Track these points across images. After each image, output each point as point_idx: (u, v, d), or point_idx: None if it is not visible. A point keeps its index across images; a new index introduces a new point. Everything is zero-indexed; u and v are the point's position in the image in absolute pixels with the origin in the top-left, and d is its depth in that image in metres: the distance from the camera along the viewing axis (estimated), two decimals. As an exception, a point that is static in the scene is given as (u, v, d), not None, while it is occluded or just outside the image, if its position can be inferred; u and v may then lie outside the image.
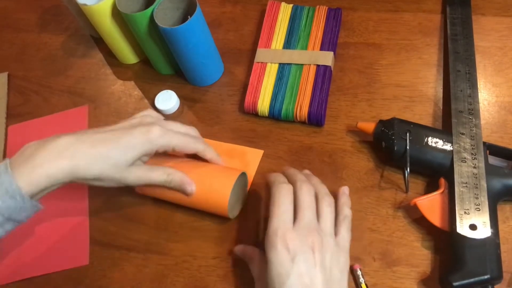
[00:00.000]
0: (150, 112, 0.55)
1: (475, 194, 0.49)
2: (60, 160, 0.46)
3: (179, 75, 0.69)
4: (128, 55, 0.71)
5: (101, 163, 0.47)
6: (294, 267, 0.42)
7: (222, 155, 0.57)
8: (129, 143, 0.48)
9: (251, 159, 0.60)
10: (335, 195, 0.56)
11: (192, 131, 0.55)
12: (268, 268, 0.43)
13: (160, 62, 0.68)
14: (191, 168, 0.53)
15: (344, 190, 0.53)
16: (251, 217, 0.57)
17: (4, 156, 0.67)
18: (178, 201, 0.55)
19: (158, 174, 0.51)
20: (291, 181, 0.49)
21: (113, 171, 0.48)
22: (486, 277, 0.46)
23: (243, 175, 0.56)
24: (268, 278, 0.43)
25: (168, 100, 0.66)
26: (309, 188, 0.48)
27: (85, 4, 0.62)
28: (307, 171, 0.54)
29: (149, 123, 0.51)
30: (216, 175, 0.54)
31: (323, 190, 0.50)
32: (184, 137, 0.52)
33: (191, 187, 0.52)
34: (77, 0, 0.62)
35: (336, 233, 0.47)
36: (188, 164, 0.54)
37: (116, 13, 0.63)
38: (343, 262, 0.46)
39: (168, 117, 0.66)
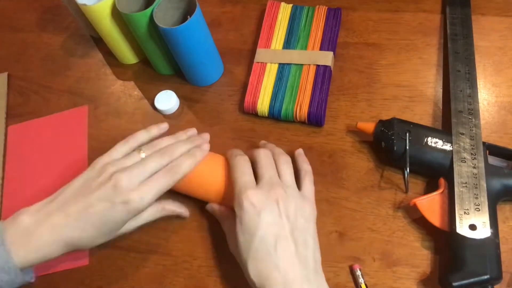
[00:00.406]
0: (130, 157, 0.52)
1: (474, 194, 0.49)
2: (57, 247, 0.48)
3: (179, 75, 0.69)
4: (127, 55, 0.71)
5: (95, 240, 0.50)
6: (261, 219, 0.46)
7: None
8: (114, 219, 0.49)
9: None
10: (335, 195, 0.56)
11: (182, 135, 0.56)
12: (238, 224, 0.47)
13: (160, 62, 0.68)
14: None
15: (299, 151, 0.57)
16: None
17: (4, 156, 0.67)
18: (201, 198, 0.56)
19: (150, 216, 0.53)
20: (249, 154, 0.53)
21: (108, 238, 0.50)
22: (485, 277, 0.46)
23: None
24: (239, 233, 0.47)
25: (168, 100, 0.66)
26: (265, 152, 0.52)
27: (84, 4, 0.62)
28: (262, 141, 0.59)
29: (126, 189, 0.48)
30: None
31: (278, 150, 0.54)
32: (161, 178, 0.50)
33: (185, 212, 0.56)
34: (76, 0, 0.62)
35: (300, 187, 0.51)
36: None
37: (116, 13, 0.63)
38: (309, 212, 0.49)
39: (168, 117, 0.66)
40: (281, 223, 0.46)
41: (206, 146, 0.55)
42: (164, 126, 0.58)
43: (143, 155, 0.52)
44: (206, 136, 0.58)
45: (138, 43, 0.67)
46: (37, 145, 0.67)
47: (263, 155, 0.52)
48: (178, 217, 0.57)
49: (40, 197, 0.50)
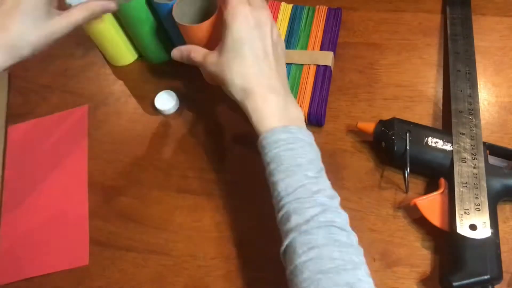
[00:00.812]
0: None
1: (475, 194, 0.49)
2: None
3: (179, 75, 0.69)
4: (123, 55, 0.71)
5: (25, 36, 0.48)
6: (252, 32, 0.49)
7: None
8: (30, 2, 0.47)
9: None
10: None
11: None
12: (229, 34, 0.49)
13: (159, 49, 0.69)
14: None
15: None
16: (252, 217, 0.57)
17: (4, 157, 0.67)
18: None
19: (79, 13, 0.52)
20: None
21: (39, 34, 0.49)
22: (486, 277, 0.46)
23: None
24: (229, 42, 0.49)
25: (168, 100, 0.66)
26: None
27: (70, 4, 0.62)
28: None
29: None
30: None
31: None
32: None
33: (111, 4, 0.54)
34: (66, 1, 0.62)
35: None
36: None
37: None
38: (283, 43, 0.54)
39: (168, 117, 0.66)
40: (267, 43, 0.50)
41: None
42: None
43: None
44: None
45: (132, 37, 0.68)
46: (38, 145, 0.67)
47: None
48: (178, 216, 0.57)
49: (41, 197, 0.50)
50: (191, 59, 0.55)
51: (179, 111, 0.67)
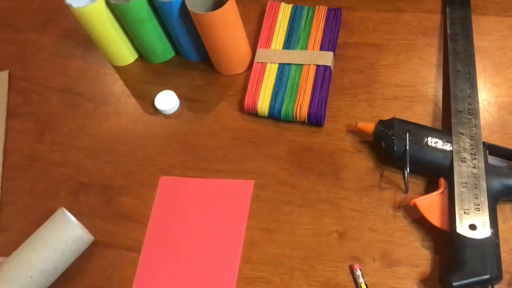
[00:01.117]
0: None
1: (474, 194, 0.49)
2: None
3: (179, 75, 0.69)
4: (124, 54, 0.71)
5: None
6: None
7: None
8: None
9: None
10: (335, 195, 0.56)
11: None
12: None
13: (160, 48, 0.69)
14: None
15: None
16: (252, 217, 0.57)
17: (4, 156, 0.67)
18: None
19: None
20: None
21: None
22: (486, 277, 0.46)
23: None
24: None
25: (168, 100, 0.66)
26: None
27: (72, 5, 0.62)
28: None
29: None
30: None
31: None
32: None
33: None
34: (65, 1, 0.62)
35: None
36: None
37: (109, 13, 0.64)
38: None
39: (168, 117, 0.66)
40: None
41: None
42: None
43: None
44: None
45: (132, 37, 0.68)
46: (190, 205, 0.59)
47: None
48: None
49: (181, 261, 0.48)
50: None
51: (179, 111, 0.67)
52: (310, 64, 0.63)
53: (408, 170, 0.53)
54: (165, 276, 0.54)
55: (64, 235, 0.54)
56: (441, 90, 0.61)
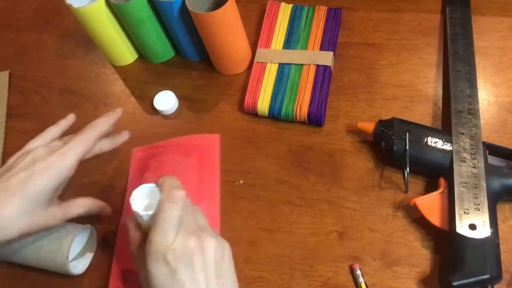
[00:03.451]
0: (29, 147, 0.51)
1: (474, 194, 0.49)
2: None
3: (179, 75, 0.69)
4: (124, 54, 0.71)
5: (17, 221, 0.45)
6: (176, 279, 0.40)
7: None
8: (36, 188, 0.46)
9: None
10: (335, 195, 0.56)
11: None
12: (150, 279, 0.41)
13: (160, 48, 0.69)
14: None
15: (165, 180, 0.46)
16: (253, 216, 0.57)
17: (4, 156, 0.67)
18: None
19: (75, 209, 0.51)
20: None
21: (32, 223, 0.46)
22: (485, 277, 0.46)
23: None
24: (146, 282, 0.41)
25: (167, 100, 0.66)
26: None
27: (72, 5, 0.62)
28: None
29: (44, 155, 0.47)
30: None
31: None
32: (78, 139, 0.50)
33: (108, 209, 0.55)
34: (66, 1, 0.62)
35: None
36: None
37: (109, 12, 0.64)
38: (228, 254, 0.44)
39: (167, 117, 0.66)
40: (199, 280, 0.40)
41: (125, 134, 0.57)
42: (71, 117, 0.57)
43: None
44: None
45: (132, 37, 0.68)
46: (160, 168, 0.60)
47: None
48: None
49: None
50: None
51: (178, 111, 0.67)
52: (310, 64, 0.63)
53: (408, 170, 0.53)
54: None
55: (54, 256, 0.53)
56: (441, 90, 0.62)
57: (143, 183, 0.45)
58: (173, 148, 0.62)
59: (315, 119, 0.60)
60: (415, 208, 0.51)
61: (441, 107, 0.60)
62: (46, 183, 0.47)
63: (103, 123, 0.53)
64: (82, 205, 0.52)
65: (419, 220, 0.53)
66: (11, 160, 0.49)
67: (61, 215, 0.50)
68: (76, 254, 0.56)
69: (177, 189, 0.43)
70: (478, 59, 0.62)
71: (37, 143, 0.51)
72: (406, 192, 0.55)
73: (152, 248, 0.41)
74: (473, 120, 0.54)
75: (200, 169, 0.60)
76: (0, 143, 0.68)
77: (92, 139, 0.51)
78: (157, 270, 0.40)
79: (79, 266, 0.56)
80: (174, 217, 0.42)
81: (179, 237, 0.41)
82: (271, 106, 0.62)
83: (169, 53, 0.71)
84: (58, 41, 0.78)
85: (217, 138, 0.62)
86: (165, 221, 0.41)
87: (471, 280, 0.46)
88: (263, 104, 0.62)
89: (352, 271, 0.52)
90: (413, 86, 0.62)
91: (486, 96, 0.60)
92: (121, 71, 0.72)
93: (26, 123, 0.70)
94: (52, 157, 0.47)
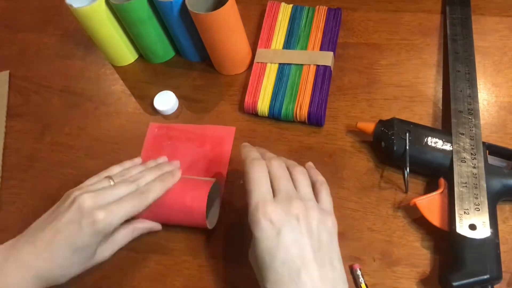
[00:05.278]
0: (101, 183, 0.52)
1: (474, 194, 0.49)
2: (28, 281, 0.46)
3: (179, 75, 0.69)
4: (124, 54, 0.71)
5: (69, 270, 0.48)
6: (281, 239, 0.41)
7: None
8: (84, 242, 0.47)
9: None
10: (335, 195, 0.56)
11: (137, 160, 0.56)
12: (256, 244, 0.42)
13: (160, 48, 0.69)
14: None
15: (310, 164, 0.53)
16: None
17: (4, 156, 0.67)
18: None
19: (122, 239, 0.52)
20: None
21: (83, 267, 0.49)
22: (485, 277, 0.46)
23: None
24: (258, 254, 0.42)
25: (167, 100, 0.66)
26: (279, 161, 0.48)
27: (72, 5, 0.62)
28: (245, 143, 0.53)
29: (90, 208, 0.47)
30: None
31: (291, 162, 0.50)
32: (127, 202, 0.49)
33: (157, 227, 0.56)
34: (66, 1, 0.62)
35: (317, 200, 0.47)
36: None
37: (109, 12, 0.64)
38: (331, 225, 0.44)
39: (167, 117, 0.66)
40: (304, 242, 0.41)
41: (178, 173, 0.55)
42: (138, 160, 0.59)
43: (112, 182, 0.51)
44: (176, 163, 0.58)
45: (132, 37, 0.68)
46: (173, 153, 0.63)
47: (278, 164, 0.47)
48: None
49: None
50: None
51: (178, 110, 0.67)
52: (310, 64, 0.63)
53: (408, 170, 0.53)
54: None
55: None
56: (441, 90, 0.62)
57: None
58: (188, 135, 0.64)
59: (315, 119, 0.60)
60: (415, 208, 0.51)
61: (441, 107, 0.60)
62: (91, 239, 0.48)
63: (157, 189, 0.52)
64: (130, 233, 0.53)
65: (419, 220, 0.53)
66: (60, 202, 0.50)
67: (109, 252, 0.52)
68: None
69: (253, 154, 0.47)
70: (478, 59, 0.62)
71: (94, 180, 0.53)
72: (406, 192, 0.55)
73: (253, 211, 0.43)
74: (473, 120, 0.54)
75: (210, 161, 0.61)
76: (0, 143, 0.68)
77: (144, 205, 0.51)
78: (262, 234, 0.42)
79: (211, 220, 0.56)
80: (260, 176, 0.45)
81: (280, 198, 0.43)
82: (271, 106, 0.62)
83: (169, 53, 0.71)
84: (58, 41, 0.78)
85: (232, 131, 0.63)
86: (252, 181, 0.44)
87: (471, 280, 0.46)
88: (263, 104, 0.62)
89: (352, 271, 0.52)
90: (413, 86, 0.62)
91: (486, 96, 0.60)
92: (121, 71, 0.72)
93: (26, 123, 0.70)
94: (98, 214, 0.47)
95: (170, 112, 0.66)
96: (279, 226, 0.41)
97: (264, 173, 0.46)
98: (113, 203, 0.48)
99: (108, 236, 0.50)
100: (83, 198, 0.47)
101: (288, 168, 0.48)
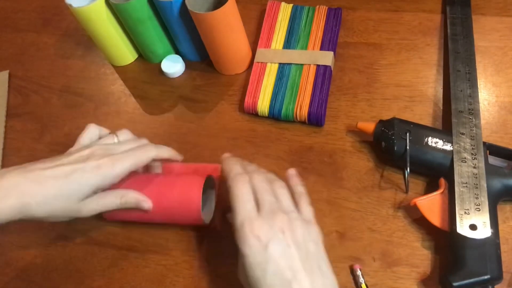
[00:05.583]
0: (105, 139, 0.54)
1: (475, 194, 0.49)
2: (9, 199, 0.45)
3: (179, 76, 0.69)
4: (124, 54, 0.71)
5: (52, 201, 0.47)
6: (269, 253, 0.42)
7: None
8: (80, 180, 0.48)
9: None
10: (335, 195, 0.56)
11: (144, 140, 0.56)
12: (245, 261, 0.43)
13: (160, 48, 0.69)
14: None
15: (291, 172, 0.53)
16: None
17: (4, 156, 0.67)
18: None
19: (111, 200, 0.51)
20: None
21: (65, 208, 0.48)
22: (486, 277, 0.46)
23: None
24: (248, 270, 0.43)
25: (174, 64, 0.68)
26: (262, 175, 0.49)
27: (72, 5, 0.62)
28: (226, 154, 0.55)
29: (100, 155, 0.49)
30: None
31: (272, 176, 0.50)
32: (134, 153, 0.51)
33: (147, 203, 0.53)
34: (66, 1, 0.62)
35: (298, 210, 0.47)
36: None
37: (108, 12, 0.64)
38: (315, 234, 0.46)
39: (173, 80, 0.69)
40: (292, 253, 0.42)
41: (172, 151, 0.56)
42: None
43: (116, 139, 0.54)
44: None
45: (132, 37, 0.68)
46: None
47: (260, 179, 0.48)
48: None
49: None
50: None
51: (184, 75, 0.69)
52: (310, 64, 0.63)
53: (408, 170, 0.53)
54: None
55: None
56: (441, 90, 0.61)
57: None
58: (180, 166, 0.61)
59: (315, 119, 0.60)
60: (415, 208, 0.51)
61: (441, 107, 0.60)
62: (89, 180, 0.48)
63: (165, 152, 0.54)
64: (119, 196, 0.52)
65: (419, 221, 0.53)
66: (77, 146, 0.52)
67: (96, 206, 0.50)
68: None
69: (236, 170, 0.48)
70: (478, 59, 0.62)
71: (110, 141, 0.54)
72: (406, 192, 0.55)
73: (240, 228, 0.43)
74: (474, 120, 0.54)
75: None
76: (0, 143, 0.68)
77: (147, 158, 0.52)
78: (248, 249, 0.42)
79: (206, 215, 0.55)
80: (243, 192, 0.46)
81: (264, 212, 0.44)
82: (271, 106, 0.62)
83: (169, 53, 0.71)
84: (58, 41, 0.78)
85: (217, 168, 0.59)
86: (237, 198, 0.45)
87: (472, 280, 0.46)
88: (263, 104, 0.62)
89: (352, 272, 0.52)
90: (413, 86, 0.62)
91: (487, 96, 0.60)
92: (121, 71, 0.72)
93: (26, 123, 0.70)
94: (105, 160, 0.49)
95: (176, 75, 0.69)
96: (266, 241, 0.42)
97: (248, 189, 0.46)
98: (119, 154, 0.50)
99: (98, 192, 0.50)
100: (96, 146, 0.50)
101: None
